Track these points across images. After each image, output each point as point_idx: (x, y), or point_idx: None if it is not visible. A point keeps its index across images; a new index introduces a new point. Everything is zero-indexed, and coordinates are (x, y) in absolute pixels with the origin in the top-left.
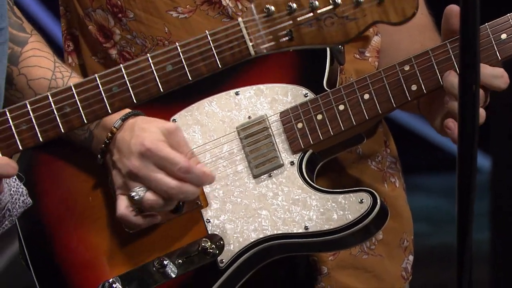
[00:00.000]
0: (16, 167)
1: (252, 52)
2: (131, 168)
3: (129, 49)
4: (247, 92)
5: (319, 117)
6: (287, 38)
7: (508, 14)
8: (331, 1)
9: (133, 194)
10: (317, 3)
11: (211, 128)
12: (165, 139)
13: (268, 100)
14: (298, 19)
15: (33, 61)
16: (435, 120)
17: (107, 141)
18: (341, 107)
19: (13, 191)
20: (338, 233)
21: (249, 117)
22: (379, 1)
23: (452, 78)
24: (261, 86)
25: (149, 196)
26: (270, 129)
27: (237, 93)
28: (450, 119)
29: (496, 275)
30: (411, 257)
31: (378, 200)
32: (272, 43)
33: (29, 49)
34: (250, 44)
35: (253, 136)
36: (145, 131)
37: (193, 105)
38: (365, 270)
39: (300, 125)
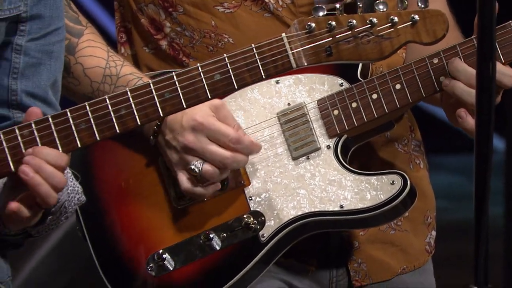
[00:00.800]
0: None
1: (294, 65)
2: (186, 143)
3: (178, 40)
4: (287, 81)
5: (354, 105)
6: (326, 53)
7: None
8: (368, 21)
9: (192, 167)
10: (355, 22)
11: (253, 113)
12: (213, 114)
13: (306, 88)
14: (337, 36)
15: (88, 51)
16: (450, 111)
17: (159, 123)
18: (374, 96)
19: (70, 190)
20: (371, 211)
21: (289, 104)
22: (412, 23)
23: (457, 63)
24: (300, 76)
25: (207, 167)
26: (308, 115)
27: (277, 82)
28: (462, 109)
29: (510, 247)
30: (434, 233)
31: (408, 182)
32: (313, 57)
33: (84, 40)
34: (292, 58)
35: (292, 122)
36: (194, 108)
37: (236, 92)
38: (392, 244)
39: (336, 112)
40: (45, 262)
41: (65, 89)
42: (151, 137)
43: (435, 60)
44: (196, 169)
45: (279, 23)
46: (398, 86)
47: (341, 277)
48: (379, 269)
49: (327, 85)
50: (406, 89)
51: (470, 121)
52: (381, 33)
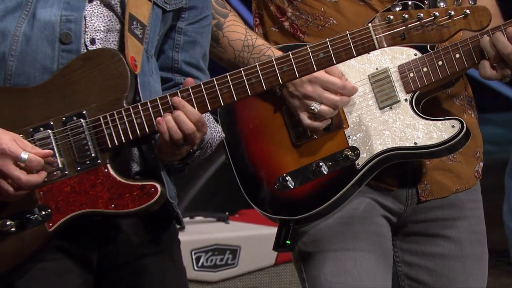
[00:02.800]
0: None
1: (377, 47)
2: (305, 92)
3: (297, 22)
4: (375, 52)
5: (425, 69)
6: (401, 38)
7: None
8: (432, 14)
9: (312, 107)
10: (422, 15)
11: (350, 75)
12: (330, 68)
13: (390, 57)
14: (409, 25)
15: (232, 28)
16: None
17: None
18: (440, 63)
19: (212, 130)
20: (437, 147)
21: (377, 69)
22: (464, 15)
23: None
24: (385, 48)
25: (323, 107)
26: (391, 77)
27: (368, 52)
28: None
29: None
30: (481, 164)
31: (464, 125)
32: (391, 41)
33: (229, 20)
34: (376, 42)
35: (379, 81)
36: None
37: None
38: (450, 171)
39: (411, 74)
40: (204, 188)
41: (214, 56)
42: (278, 90)
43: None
44: (315, 109)
45: (370, 9)
46: (457, 55)
47: (414, 195)
48: (439, 188)
49: (405, 54)
50: (463, 57)
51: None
52: (441, 23)
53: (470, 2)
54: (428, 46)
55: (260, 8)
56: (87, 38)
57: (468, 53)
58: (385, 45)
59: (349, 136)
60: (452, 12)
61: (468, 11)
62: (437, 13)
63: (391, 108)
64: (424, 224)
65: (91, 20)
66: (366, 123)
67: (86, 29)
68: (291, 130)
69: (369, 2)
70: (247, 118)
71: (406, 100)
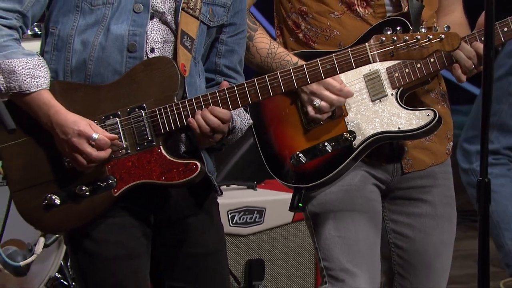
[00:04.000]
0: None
1: (371, 62)
2: (312, 90)
3: (309, 33)
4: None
5: (407, 70)
6: (390, 55)
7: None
8: (415, 37)
9: (315, 103)
10: (407, 37)
11: (349, 75)
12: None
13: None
14: (397, 46)
15: (259, 39)
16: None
17: None
18: (418, 65)
19: (242, 118)
20: (416, 131)
21: (370, 70)
22: (440, 39)
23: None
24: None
25: (323, 103)
26: (381, 76)
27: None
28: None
29: None
30: (451, 143)
31: (437, 114)
32: (382, 58)
33: (258, 33)
34: (371, 58)
35: (371, 80)
36: None
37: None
38: (427, 149)
39: (396, 74)
40: (237, 162)
41: (246, 60)
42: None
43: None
44: (316, 104)
45: (365, 23)
46: (432, 60)
47: (398, 168)
48: (419, 163)
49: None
50: (437, 61)
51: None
52: (422, 45)
53: (444, 28)
54: None
55: (280, 23)
56: (148, 47)
57: (440, 58)
58: (378, 61)
59: (348, 122)
60: (431, 36)
61: (443, 36)
62: (419, 37)
63: (380, 100)
64: (406, 190)
65: (152, 33)
66: (361, 112)
67: (148, 41)
68: (303, 118)
69: (365, 18)
70: (270, 108)
71: (392, 94)
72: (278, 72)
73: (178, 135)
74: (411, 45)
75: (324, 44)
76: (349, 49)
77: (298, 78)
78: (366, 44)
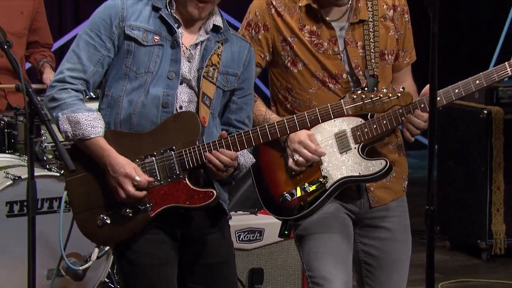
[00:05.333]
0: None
1: (345, 114)
2: (294, 147)
3: (294, 104)
4: (339, 120)
5: (366, 130)
6: (360, 109)
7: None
8: (378, 96)
9: (295, 157)
10: (372, 96)
11: (324, 134)
12: (307, 136)
13: (346, 123)
14: (365, 101)
15: (258, 108)
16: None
17: (285, 138)
18: (374, 126)
19: (246, 157)
20: (372, 175)
21: (339, 130)
22: (397, 97)
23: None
24: (345, 118)
25: (301, 159)
26: (347, 135)
27: (334, 120)
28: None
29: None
30: (406, 182)
31: (388, 163)
32: (353, 110)
33: (257, 104)
34: (345, 110)
35: (340, 137)
36: (300, 134)
37: (317, 125)
38: (388, 188)
39: (358, 133)
40: (242, 196)
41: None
42: (282, 143)
43: (401, 111)
44: (295, 159)
45: (336, 95)
46: (384, 122)
47: (366, 203)
48: (382, 199)
49: (355, 121)
50: (388, 123)
51: (407, 134)
52: (384, 101)
53: (401, 89)
54: (369, 115)
55: (274, 95)
56: (178, 105)
57: (390, 120)
58: (350, 113)
59: (322, 169)
60: (390, 95)
61: (399, 94)
62: (381, 95)
63: (346, 152)
64: (372, 220)
65: (180, 95)
66: (332, 161)
67: (177, 100)
68: (288, 166)
69: (335, 91)
70: (264, 159)
71: (355, 148)
72: (275, 122)
73: (199, 171)
74: (375, 101)
75: (304, 109)
76: (328, 104)
77: (290, 126)
78: (342, 100)
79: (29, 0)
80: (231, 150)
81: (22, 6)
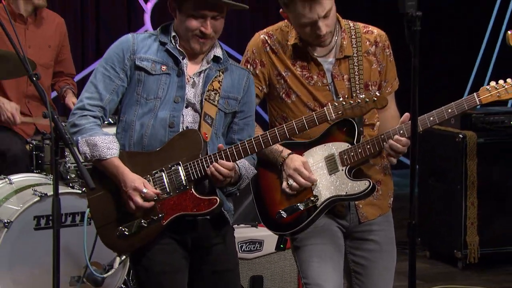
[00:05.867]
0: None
1: (328, 119)
2: (289, 173)
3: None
4: (328, 145)
5: (352, 154)
6: (341, 113)
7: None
8: (357, 101)
9: (290, 182)
10: (351, 101)
11: (315, 158)
12: (302, 164)
13: (335, 147)
14: (345, 107)
15: (257, 131)
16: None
17: (281, 162)
18: (359, 150)
19: (247, 168)
20: (357, 194)
21: (328, 154)
22: (373, 100)
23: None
24: (331, 143)
25: (294, 184)
26: (335, 158)
27: (325, 145)
28: (388, 153)
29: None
30: (392, 199)
31: (371, 183)
32: (335, 116)
33: (256, 129)
34: (328, 117)
35: (329, 160)
36: (295, 161)
37: (309, 150)
38: (375, 205)
39: (345, 157)
40: (244, 211)
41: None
42: (279, 166)
43: (382, 137)
44: (289, 183)
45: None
46: (368, 146)
47: (355, 218)
48: (370, 215)
49: (343, 146)
50: (371, 148)
51: (390, 157)
52: (361, 105)
53: (377, 93)
54: (355, 140)
55: (271, 122)
56: (184, 125)
57: (374, 145)
58: (333, 118)
59: (313, 189)
60: (367, 99)
61: (375, 98)
62: (359, 100)
63: (335, 174)
64: (361, 233)
65: (186, 117)
66: (322, 182)
67: (183, 121)
68: (283, 187)
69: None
70: (263, 180)
71: (342, 170)
72: (267, 132)
73: (203, 181)
74: (354, 106)
75: (299, 137)
76: (313, 113)
77: (280, 134)
78: (325, 108)
79: (56, 35)
80: (230, 160)
81: (50, 41)
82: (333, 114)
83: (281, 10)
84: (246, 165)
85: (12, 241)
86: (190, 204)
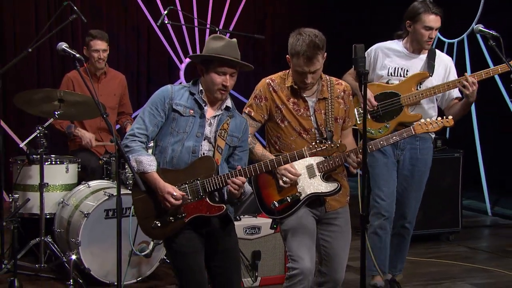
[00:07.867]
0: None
1: (306, 156)
2: (282, 172)
3: (281, 146)
4: (308, 158)
5: (325, 164)
6: (314, 152)
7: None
8: (325, 146)
9: (283, 179)
10: (322, 146)
11: (298, 166)
12: (289, 165)
13: (313, 159)
14: (317, 149)
15: (257, 149)
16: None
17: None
18: (331, 162)
19: (247, 188)
20: (329, 192)
21: (308, 163)
22: (337, 147)
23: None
24: (314, 157)
25: (286, 179)
26: (313, 166)
27: (306, 157)
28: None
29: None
30: (348, 197)
31: (339, 185)
32: (311, 154)
33: (256, 146)
34: (305, 154)
35: (309, 169)
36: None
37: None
38: (337, 200)
39: (321, 166)
40: (247, 205)
41: (252, 156)
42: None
43: (346, 154)
44: (283, 179)
45: (307, 142)
46: (337, 159)
47: (323, 209)
48: (334, 206)
49: (320, 159)
50: (339, 161)
51: (350, 168)
52: (328, 149)
53: (339, 141)
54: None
55: (268, 140)
56: (202, 152)
57: (340, 159)
58: (308, 156)
59: (298, 187)
60: (333, 145)
61: (338, 145)
62: (327, 146)
63: (313, 178)
64: (327, 219)
65: (204, 146)
66: (304, 183)
67: (202, 150)
68: (277, 184)
69: (307, 139)
70: (261, 179)
71: (319, 175)
72: (267, 160)
73: (215, 193)
74: (323, 149)
75: (289, 151)
76: (295, 152)
77: (277, 162)
78: (303, 149)
79: (119, 87)
80: (242, 176)
81: (115, 91)
82: (308, 154)
83: (287, 56)
84: (246, 185)
85: (90, 226)
86: (204, 209)
